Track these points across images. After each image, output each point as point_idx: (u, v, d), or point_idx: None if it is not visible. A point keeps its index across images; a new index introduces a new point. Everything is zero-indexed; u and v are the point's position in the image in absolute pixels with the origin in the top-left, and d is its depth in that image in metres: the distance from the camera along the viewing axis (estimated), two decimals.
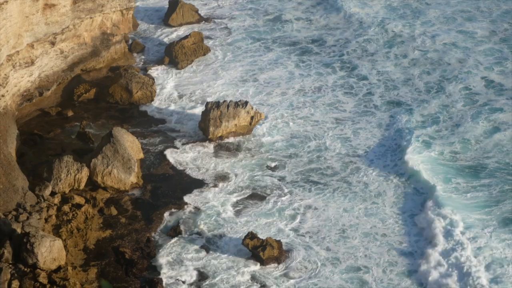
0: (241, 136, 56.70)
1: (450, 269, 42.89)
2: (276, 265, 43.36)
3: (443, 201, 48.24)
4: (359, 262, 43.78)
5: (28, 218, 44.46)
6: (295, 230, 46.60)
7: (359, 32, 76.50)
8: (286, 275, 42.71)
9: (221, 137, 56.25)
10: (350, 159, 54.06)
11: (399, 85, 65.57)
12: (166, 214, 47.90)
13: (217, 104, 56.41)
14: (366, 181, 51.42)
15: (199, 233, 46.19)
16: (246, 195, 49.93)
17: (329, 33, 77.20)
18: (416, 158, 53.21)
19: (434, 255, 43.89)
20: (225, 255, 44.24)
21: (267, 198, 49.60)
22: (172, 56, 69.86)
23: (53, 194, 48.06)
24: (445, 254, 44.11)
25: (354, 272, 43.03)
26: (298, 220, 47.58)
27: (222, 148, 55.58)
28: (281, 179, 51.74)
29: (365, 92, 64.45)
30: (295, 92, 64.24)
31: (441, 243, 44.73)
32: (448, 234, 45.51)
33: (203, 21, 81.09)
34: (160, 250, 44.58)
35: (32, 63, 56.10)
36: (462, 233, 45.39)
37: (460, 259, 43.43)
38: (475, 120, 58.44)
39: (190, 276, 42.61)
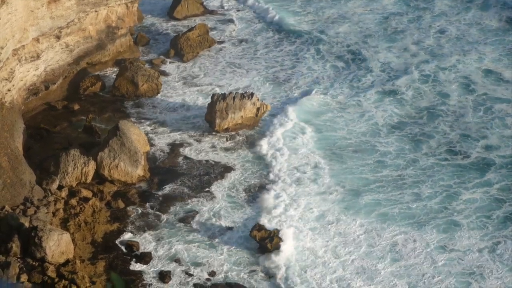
0: (247, 128, 56.65)
1: None
2: (283, 254, 43.35)
3: None
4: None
5: (35, 212, 44.54)
6: (301, 221, 46.44)
7: (362, 28, 76.35)
8: (293, 266, 42.71)
9: (227, 129, 56.17)
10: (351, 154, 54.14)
11: (400, 74, 65.32)
12: (173, 207, 47.93)
13: (223, 96, 56.32)
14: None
15: (207, 225, 46.16)
16: (252, 187, 49.86)
17: (333, 25, 77.09)
18: None
19: None
20: (233, 247, 44.20)
21: (273, 190, 49.38)
22: (178, 48, 69.78)
23: (60, 188, 48.10)
24: None
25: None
26: (303, 211, 47.29)
27: (229, 140, 55.49)
28: (287, 172, 51.64)
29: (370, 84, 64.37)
30: (301, 82, 64.39)
31: None
32: None
33: (208, 13, 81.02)
34: (168, 243, 44.58)
35: (38, 57, 56.08)
36: None
37: None
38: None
39: (198, 268, 42.60)
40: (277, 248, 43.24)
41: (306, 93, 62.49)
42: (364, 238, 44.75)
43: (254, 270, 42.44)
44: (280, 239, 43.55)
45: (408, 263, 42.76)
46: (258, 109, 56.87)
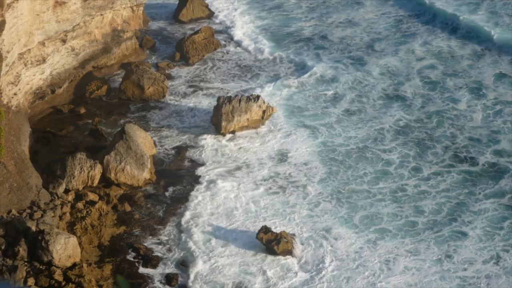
0: (253, 131, 56.51)
1: None
2: (289, 258, 43.15)
3: None
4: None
5: (42, 215, 44.54)
6: (309, 224, 46.22)
7: (370, 32, 75.95)
8: (299, 269, 42.52)
9: (233, 132, 56.10)
10: (347, 158, 53.85)
11: (404, 78, 64.56)
12: (180, 210, 47.85)
13: (229, 99, 56.26)
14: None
15: (214, 228, 46.05)
16: (259, 190, 49.66)
17: (338, 29, 76.95)
18: None
19: None
20: (239, 249, 44.05)
21: (280, 192, 49.29)
22: (183, 51, 69.80)
23: (67, 191, 48.13)
24: None
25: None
26: (293, 223, 46.50)
27: (235, 143, 55.37)
28: (293, 174, 51.48)
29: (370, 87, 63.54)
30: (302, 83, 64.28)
31: None
32: None
33: (214, 16, 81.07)
34: (174, 246, 44.53)
35: (44, 61, 56.19)
36: None
37: None
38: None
39: (204, 271, 42.49)
40: (288, 252, 43.16)
41: (303, 97, 62.25)
42: (356, 252, 43.35)
43: (262, 273, 42.29)
44: (292, 245, 43.35)
45: (401, 279, 41.00)
46: (264, 111, 56.80)
